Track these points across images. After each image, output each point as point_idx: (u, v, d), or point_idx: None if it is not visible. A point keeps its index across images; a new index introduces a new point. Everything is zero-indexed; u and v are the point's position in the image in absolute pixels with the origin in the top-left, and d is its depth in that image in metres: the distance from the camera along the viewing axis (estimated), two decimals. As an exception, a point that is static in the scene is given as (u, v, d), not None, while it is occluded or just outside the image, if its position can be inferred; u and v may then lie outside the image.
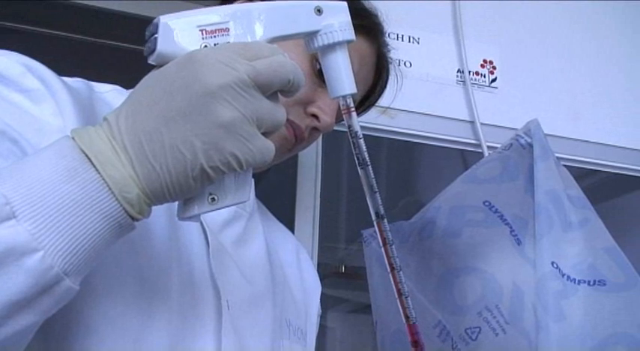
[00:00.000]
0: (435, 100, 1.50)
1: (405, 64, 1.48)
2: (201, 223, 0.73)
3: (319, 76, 0.80)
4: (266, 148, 0.51)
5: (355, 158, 0.60)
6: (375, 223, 0.60)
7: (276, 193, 1.35)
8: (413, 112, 1.47)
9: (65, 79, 0.67)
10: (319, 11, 0.57)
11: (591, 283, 1.05)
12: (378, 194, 0.60)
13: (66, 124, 0.61)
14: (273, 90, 0.52)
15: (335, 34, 0.57)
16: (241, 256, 0.79)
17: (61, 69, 0.67)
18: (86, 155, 0.48)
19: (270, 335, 0.78)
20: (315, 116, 0.81)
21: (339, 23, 0.57)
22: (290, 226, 1.28)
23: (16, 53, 0.64)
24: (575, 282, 1.05)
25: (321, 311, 0.99)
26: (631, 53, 1.72)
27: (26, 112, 0.61)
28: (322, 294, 0.98)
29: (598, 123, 1.63)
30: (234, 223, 0.81)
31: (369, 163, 0.59)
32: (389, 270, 0.60)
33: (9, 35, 1.37)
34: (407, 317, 0.61)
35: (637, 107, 1.68)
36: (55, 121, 0.61)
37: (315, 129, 0.83)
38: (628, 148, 1.64)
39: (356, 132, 0.59)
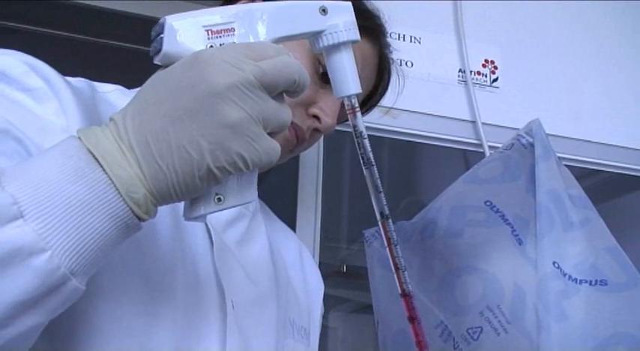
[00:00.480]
0: (437, 100, 1.50)
1: (406, 64, 1.48)
2: (205, 223, 0.73)
3: (321, 77, 0.80)
4: (272, 149, 0.51)
5: (360, 158, 0.59)
6: (379, 223, 0.60)
7: (277, 193, 1.35)
8: (414, 112, 1.47)
9: (68, 78, 0.67)
10: (324, 11, 0.57)
11: (593, 282, 1.05)
12: (382, 194, 0.59)
13: (69, 124, 0.61)
14: (279, 90, 0.52)
15: (340, 34, 0.57)
16: (245, 256, 0.79)
17: (63, 69, 0.67)
18: (93, 155, 0.48)
19: (274, 335, 0.78)
20: (316, 117, 0.81)
21: (343, 23, 0.57)
22: (291, 226, 1.28)
23: (20, 52, 0.64)
24: (576, 282, 1.05)
25: (323, 310, 0.99)
26: (632, 53, 1.72)
27: (29, 110, 0.61)
28: (324, 294, 0.99)
29: (599, 123, 1.63)
30: (237, 223, 0.81)
31: (373, 163, 0.59)
32: (393, 270, 0.60)
33: (11, 35, 1.37)
34: (412, 318, 0.61)
35: (638, 107, 1.68)
36: (59, 121, 0.61)
37: (316, 130, 0.83)
38: (629, 148, 1.64)
39: (361, 132, 0.59)
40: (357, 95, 0.59)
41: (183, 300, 0.66)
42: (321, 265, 1.32)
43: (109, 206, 0.48)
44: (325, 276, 1.02)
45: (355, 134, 0.59)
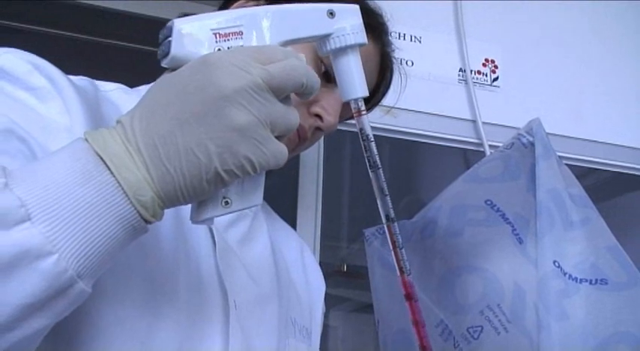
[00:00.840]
0: (437, 99, 1.50)
1: (407, 63, 1.48)
2: None
3: (324, 76, 0.80)
4: (279, 152, 0.51)
5: (366, 161, 0.59)
6: (385, 226, 0.60)
7: (278, 193, 1.35)
8: (415, 112, 1.47)
9: (71, 77, 0.67)
10: (332, 14, 0.57)
11: (593, 282, 1.05)
12: (388, 197, 0.59)
13: (73, 123, 0.61)
14: (287, 93, 0.52)
15: (347, 38, 0.57)
16: (247, 256, 0.79)
17: (65, 69, 0.67)
18: (101, 158, 0.48)
19: (276, 334, 0.78)
20: (318, 116, 0.81)
21: (351, 26, 0.57)
22: (292, 225, 1.28)
23: (24, 51, 0.64)
24: (576, 281, 1.05)
25: (325, 309, 0.99)
26: (632, 52, 1.72)
27: (32, 109, 0.61)
28: (324, 293, 0.99)
29: (600, 122, 1.63)
30: (239, 223, 0.82)
31: (380, 165, 0.59)
32: (398, 273, 0.60)
33: (13, 35, 1.37)
34: (417, 322, 0.60)
35: (638, 106, 1.68)
36: (62, 120, 0.61)
37: (318, 129, 0.83)
38: (630, 148, 1.64)
39: (367, 135, 0.59)
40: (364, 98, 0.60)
41: (186, 301, 0.66)
42: (321, 265, 1.31)
43: (116, 209, 0.48)
44: (325, 275, 1.02)
45: (362, 137, 0.59)
